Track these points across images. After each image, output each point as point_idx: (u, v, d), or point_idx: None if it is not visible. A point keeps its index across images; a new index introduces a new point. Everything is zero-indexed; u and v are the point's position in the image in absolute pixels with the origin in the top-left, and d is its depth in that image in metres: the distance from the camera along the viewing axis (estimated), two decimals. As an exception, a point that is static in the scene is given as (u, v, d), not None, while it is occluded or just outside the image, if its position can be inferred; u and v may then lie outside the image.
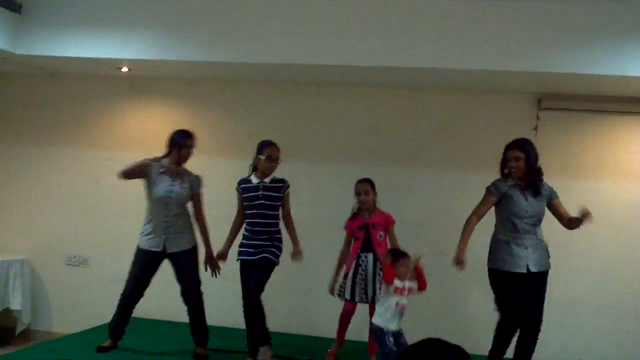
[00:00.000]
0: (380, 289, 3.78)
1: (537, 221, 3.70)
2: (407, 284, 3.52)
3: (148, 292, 4.02)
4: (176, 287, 3.99)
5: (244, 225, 3.96)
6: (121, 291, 4.01)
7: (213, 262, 4.02)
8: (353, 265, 3.89)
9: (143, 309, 4.17)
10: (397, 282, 3.47)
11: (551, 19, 3.93)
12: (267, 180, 3.90)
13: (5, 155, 5.37)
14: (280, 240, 3.92)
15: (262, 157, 3.88)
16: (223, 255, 4.00)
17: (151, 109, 5.18)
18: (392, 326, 3.49)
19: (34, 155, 5.32)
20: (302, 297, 4.83)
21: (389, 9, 4.07)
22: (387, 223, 3.92)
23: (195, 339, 4.03)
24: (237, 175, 4.05)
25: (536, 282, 3.67)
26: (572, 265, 4.45)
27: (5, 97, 5.41)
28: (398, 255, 3.58)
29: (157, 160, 3.97)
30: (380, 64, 4.10)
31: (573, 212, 3.67)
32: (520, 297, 3.64)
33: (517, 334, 3.70)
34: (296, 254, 3.90)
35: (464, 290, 4.60)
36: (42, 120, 5.33)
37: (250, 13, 4.25)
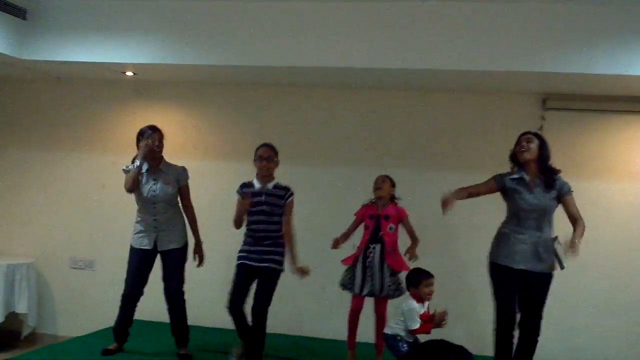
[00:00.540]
0: (389, 282, 3.77)
1: (544, 217, 3.55)
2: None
3: (154, 294, 4.02)
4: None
5: (245, 231, 3.88)
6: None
7: (201, 252, 4.02)
8: (361, 256, 3.88)
9: (149, 311, 4.18)
10: (418, 308, 3.42)
11: (555, 20, 3.91)
12: (270, 185, 3.83)
13: (11, 160, 5.40)
14: (283, 245, 3.84)
15: (255, 159, 3.85)
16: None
17: (156, 113, 5.18)
18: (408, 337, 3.45)
19: (40, 160, 5.35)
20: (302, 300, 4.82)
21: (390, 11, 4.06)
22: (400, 215, 3.94)
23: (176, 340, 4.03)
24: (242, 178, 4.02)
25: (534, 284, 3.52)
26: (575, 264, 4.40)
27: (11, 103, 5.44)
28: (421, 275, 3.50)
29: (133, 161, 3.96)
30: (382, 66, 4.09)
31: (581, 211, 3.59)
32: (514, 295, 3.53)
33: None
34: (296, 270, 3.80)
35: (467, 291, 4.58)
36: (47, 125, 5.36)
37: (251, 16, 4.25)
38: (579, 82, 4.23)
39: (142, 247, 3.94)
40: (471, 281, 4.05)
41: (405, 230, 3.96)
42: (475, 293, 4.55)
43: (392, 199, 3.99)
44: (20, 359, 4.06)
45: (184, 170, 4.03)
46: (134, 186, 3.90)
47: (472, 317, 4.60)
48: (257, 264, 3.76)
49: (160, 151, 3.97)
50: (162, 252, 3.96)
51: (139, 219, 3.99)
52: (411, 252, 3.88)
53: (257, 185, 3.85)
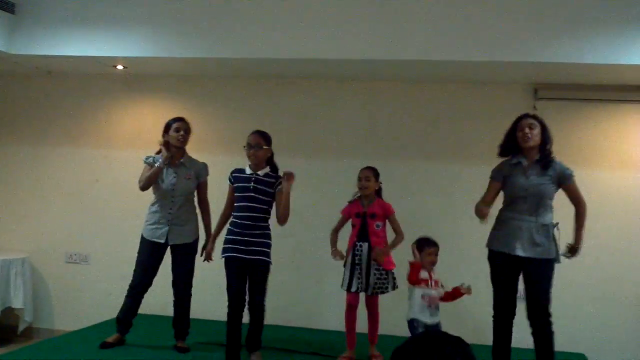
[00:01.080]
0: (376, 279, 3.79)
1: (540, 202, 3.43)
2: (435, 277, 3.45)
3: (153, 288, 4.01)
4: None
5: (231, 219, 3.75)
6: (124, 286, 4.02)
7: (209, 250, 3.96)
8: (350, 255, 3.88)
9: (147, 304, 4.18)
10: (422, 273, 3.41)
11: (546, 9, 3.92)
12: (260, 172, 3.75)
13: (3, 154, 5.38)
14: (270, 237, 3.74)
15: (244, 145, 3.77)
16: (209, 255, 3.90)
17: (147, 106, 5.18)
18: (424, 318, 3.46)
19: (32, 154, 5.32)
20: (297, 291, 4.85)
21: (385, 2, 4.06)
22: (386, 212, 3.88)
23: (175, 332, 4.04)
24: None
25: (533, 270, 3.43)
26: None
27: (1, 97, 5.41)
28: (423, 243, 3.50)
29: (158, 154, 3.99)
30: (376, 57, 4.10)
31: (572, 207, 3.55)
32: (513, 282, 3.50)
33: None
34: (282, 175, 3.68)
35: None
36: (39, 119, 5.33)
37: (243, 8, 4.24)
38: (571, 72, 4.25)
39: (154, 240, 3.93)
40: (467, 273, 4.05)
41: (391, 226, 3.89)
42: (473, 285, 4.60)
43: (378, 192, 3.94)
44: (17, 354, 4.07)
45: (205, 166, 4.06)
46: (149, 186, 3.91)
47: (470, 309, 4.63)
48: (246, 256, 3.64)
49: (185, 143, 3.97)
50: (173, 246, 3.96)
51: (153, 209, 3.97)
52: (386, 249, 3.78)
53: (247, 171, 3.77)
